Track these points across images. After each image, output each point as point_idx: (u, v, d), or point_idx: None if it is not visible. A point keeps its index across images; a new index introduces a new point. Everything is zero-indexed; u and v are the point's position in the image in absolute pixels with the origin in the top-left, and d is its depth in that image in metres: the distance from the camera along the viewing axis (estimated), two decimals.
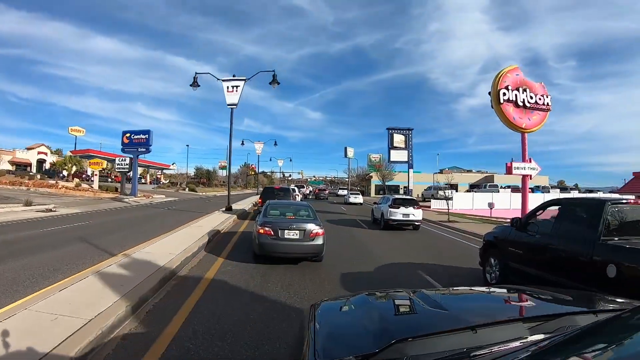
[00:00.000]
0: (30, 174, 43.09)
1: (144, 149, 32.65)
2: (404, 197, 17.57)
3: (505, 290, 2.48)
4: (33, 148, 56.50)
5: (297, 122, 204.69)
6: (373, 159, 70.74)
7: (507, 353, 1.22)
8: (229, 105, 18.16)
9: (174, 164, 61.77)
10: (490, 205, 22.85)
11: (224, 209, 18.73)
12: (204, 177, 66.39)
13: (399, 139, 35.17)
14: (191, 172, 71.65)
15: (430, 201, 32.72)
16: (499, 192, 35.97)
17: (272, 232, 7.11)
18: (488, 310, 1.88)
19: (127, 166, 32.75)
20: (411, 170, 35.35)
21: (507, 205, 31.22)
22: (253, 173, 68.52)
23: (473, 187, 48.56)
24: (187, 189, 49.41)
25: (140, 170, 75.63)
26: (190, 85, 17.71)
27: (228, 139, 19.64)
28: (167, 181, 64.60)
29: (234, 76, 19.19)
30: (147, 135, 32.74)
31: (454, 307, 1.97)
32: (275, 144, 46.48)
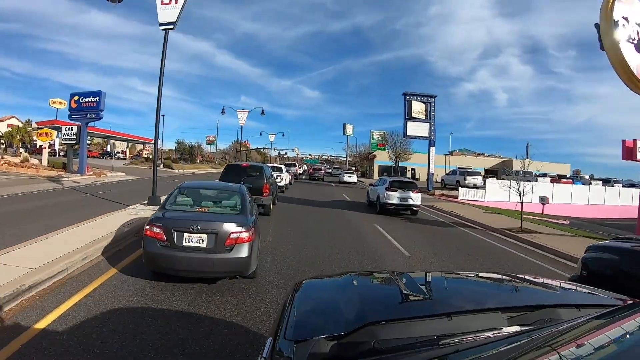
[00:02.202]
0: None
1: (93, 115, 26.96)
2: (402, 179, 17.21)
3: (490, 278, 2.49)
4: (3, 120, 54.04)
5: (294, 100, 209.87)
6: (376, 137, 62.94)
7: (477, 344, 1.25)
8: (162, 25, 10.82)
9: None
10: (544, 200, 17.63)
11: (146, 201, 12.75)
12: (187, 153, 59.16)
13: (418, 108, 27.54)
14: (172, 146, 64.34)
15: (457, 190, 25.41)
16: (537, 181, 28.31)
17: (165, 236, 4.71)
18: (468, 298, 1.85)
19: (74, 137, 25.51)
20: (433, 149, 27.69)
21: (558, 199, 24.15)
22: (245, 149, 61.10)
23: (489, 174, 41.09)
24: (162, 166, 42.18)
25: (121, 144, 68.96)
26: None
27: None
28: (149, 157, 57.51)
29: None
30: (97, 98, 27.14)
31: (435, 292, 2.02)
32: (263, 113, 38.20)
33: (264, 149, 74.72)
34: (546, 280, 2.22)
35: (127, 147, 71.15)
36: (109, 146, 67.16)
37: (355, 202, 19.30)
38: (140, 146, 71.26)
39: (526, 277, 2.26)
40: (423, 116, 28.79)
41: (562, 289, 2.09)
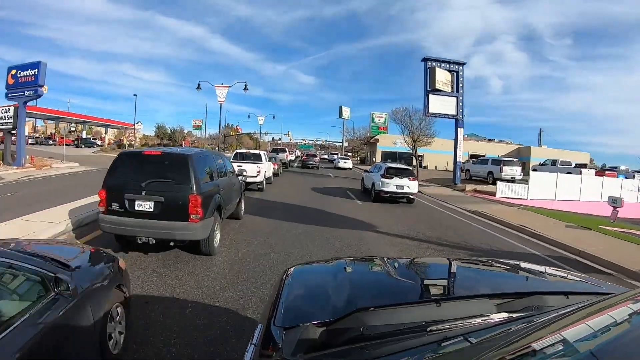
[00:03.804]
0: None
1: (31, 92, 22.25)
2: (398, 166, 16.29)
3: (479, 264, 2.52)
4: None
5: (289, 85, 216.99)
6: (377, 119, 57.58)
7: (466, 331, 1.29)
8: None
9: (139, 123, 48.48)
10: (616, 202, 11.74)
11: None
12: (168, 138, 53.83)
13: (442, 78, 21.80)
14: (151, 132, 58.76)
15: (490, 183, 20.26)
16: (580, 173, 22.89)
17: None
18: (457, 284, 1.94)
19: (10, 120, 21.99)
20: (461, 132, 22.22)
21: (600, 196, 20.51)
22: (235, 134, 55.44)
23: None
24: None
25: (101, 129, 63.43)
26: None
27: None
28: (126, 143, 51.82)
29: None
30: (35, 71, 22.22)
31: (424, 278, 2.06)
32: (246, 89, 31.40)
33: (254, 133, 68.40)
34: (536, 267, 2.27)
35: (105, 134, 65.13)
36: (84, 132, 60.96)
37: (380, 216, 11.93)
38: (118, 132, 65.91)
39: (516, 263, 2.31)
40: (449, 88, 22.88)
41: (552, 276, 2.13)
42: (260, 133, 63.41)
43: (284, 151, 43.12)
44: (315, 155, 40.02)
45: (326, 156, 59.61)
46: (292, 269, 2.08)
